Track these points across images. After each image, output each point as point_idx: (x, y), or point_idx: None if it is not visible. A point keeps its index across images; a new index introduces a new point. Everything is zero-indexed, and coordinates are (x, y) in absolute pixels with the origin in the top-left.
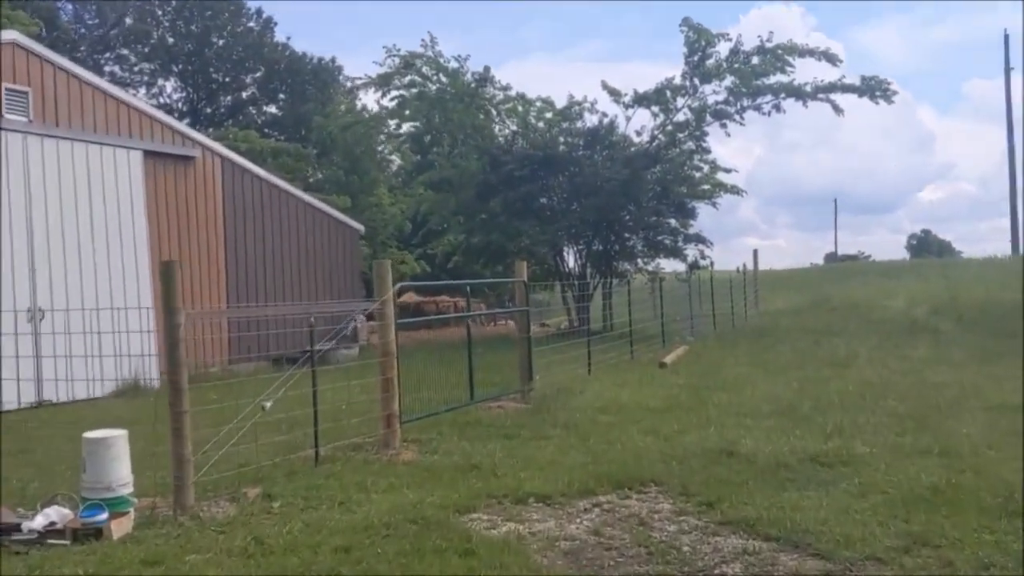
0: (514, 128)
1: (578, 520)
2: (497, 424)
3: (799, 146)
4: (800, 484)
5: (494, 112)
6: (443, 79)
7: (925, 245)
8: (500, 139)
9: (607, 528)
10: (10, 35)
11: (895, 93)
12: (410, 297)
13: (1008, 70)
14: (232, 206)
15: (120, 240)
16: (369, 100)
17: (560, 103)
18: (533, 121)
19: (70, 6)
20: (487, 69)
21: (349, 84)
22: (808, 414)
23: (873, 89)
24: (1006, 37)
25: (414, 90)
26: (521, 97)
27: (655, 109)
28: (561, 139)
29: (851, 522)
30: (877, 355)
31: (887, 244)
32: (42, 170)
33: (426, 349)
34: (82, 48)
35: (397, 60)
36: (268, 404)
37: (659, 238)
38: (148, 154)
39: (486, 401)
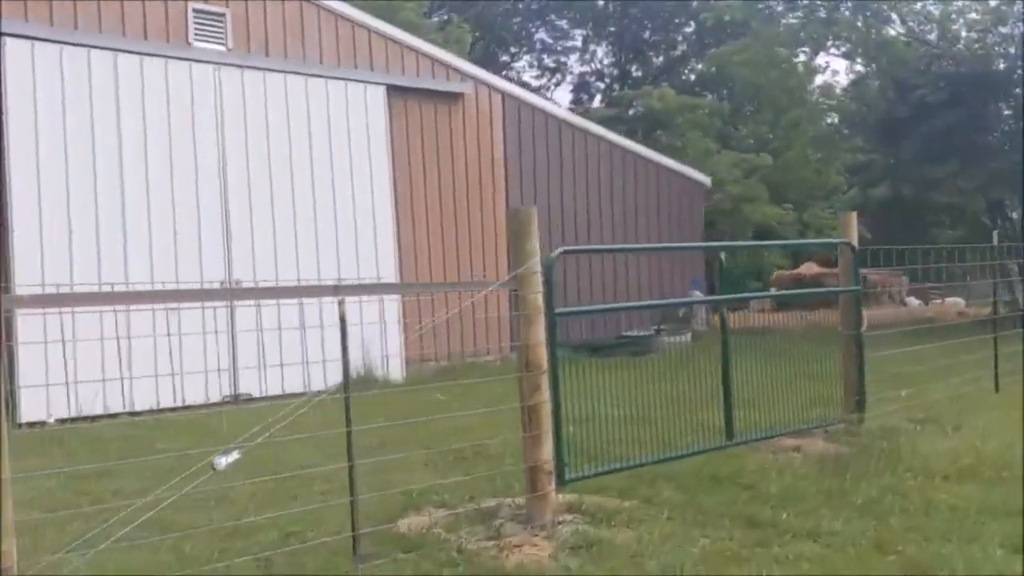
0: (930, 41)
1: None
2: (759, 486)
3: None
4: None
5: (897, 21)
6: None
7: None
8: (909, 58)
9: None
10: None
11: None
12: (808, 268)
13: None
14: (517, 154)
15: (352, 195)
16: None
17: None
18: (955, 29)
19: None
20: None
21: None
22: None
23: None
24: None
25: None
26: None
27: None
28: (998, 50)
29: None
30: None
31: None
32: (242, 110)
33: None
34: (514, 20)
35: None
36: (225, 460)
37: None
38: (394, 90)
39: (783, 436)
